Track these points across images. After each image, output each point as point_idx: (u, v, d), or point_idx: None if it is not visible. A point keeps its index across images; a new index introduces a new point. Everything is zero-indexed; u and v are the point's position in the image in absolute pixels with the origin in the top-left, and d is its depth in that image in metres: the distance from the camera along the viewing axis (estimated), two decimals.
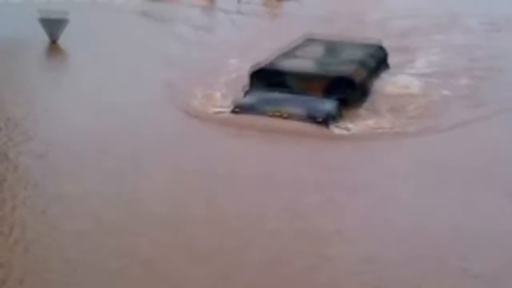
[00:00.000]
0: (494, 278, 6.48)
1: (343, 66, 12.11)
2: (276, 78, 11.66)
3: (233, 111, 10.90)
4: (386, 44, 14.74)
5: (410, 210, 7.87)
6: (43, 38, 15.67)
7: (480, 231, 7.36)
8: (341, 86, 11.36)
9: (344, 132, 10.46)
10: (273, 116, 10.61)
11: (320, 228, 7.27)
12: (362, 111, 11.40)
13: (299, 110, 10.69)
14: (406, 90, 12.84)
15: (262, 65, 12.00)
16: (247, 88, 11.71)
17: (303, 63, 12.25)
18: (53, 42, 15.65)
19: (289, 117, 10.57)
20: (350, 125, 10.70)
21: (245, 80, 11.93)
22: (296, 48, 13.39)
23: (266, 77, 11.70)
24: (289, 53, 12.97)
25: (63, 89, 12.47)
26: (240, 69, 13.14)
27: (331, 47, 13.36)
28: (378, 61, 13.41)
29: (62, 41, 15.78)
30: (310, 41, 13.93)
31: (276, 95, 11.29)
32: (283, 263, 6.54)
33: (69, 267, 6.32)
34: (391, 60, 14.37)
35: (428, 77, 13.80)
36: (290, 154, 9.61)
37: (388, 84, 12.91)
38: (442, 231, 7.34)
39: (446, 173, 8.95)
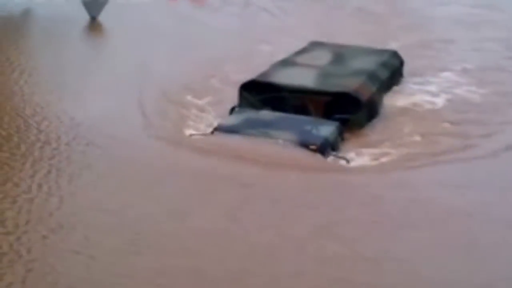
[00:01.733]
0: None
1: (348, 79, 10.10)
2: (269, 92, 9.78)
3: (212, 133, 9.08)
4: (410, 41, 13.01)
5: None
6: (84, 16, 15.46)
7: None
8: (345, 104, 9.44)
9: (344, 163, 8.58)
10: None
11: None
12: (371, 134, 9.46)
13: (290, 135, 8.78)
14: (433, 102, 10.84)
15: (253, 77, 10.13)
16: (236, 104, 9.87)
17: (302, 74, 10.21)
18: (93, 19, 15.45)
19: (277, 142, 8.72)
20: (352, 154, 8.82)
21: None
22: (298, 54, 11.38)
23: (258, 91, 9.84)
24: (289, 60, 10.99)
25: (93, 71, 11.82)
26: (270, 57, 11.57)
27: (338, 54, 11.30)
28: (393, 71, 11.34)
29: (101, 19, 15.49)
30: (315, 45, 11.90)
31: (265, 114, 9.38)
32: None
33: None
34: (417, 60, 12.42)
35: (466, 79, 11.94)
36: (271, 189, 7.70)
37: (407, 97, 10.90)
38: None
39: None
